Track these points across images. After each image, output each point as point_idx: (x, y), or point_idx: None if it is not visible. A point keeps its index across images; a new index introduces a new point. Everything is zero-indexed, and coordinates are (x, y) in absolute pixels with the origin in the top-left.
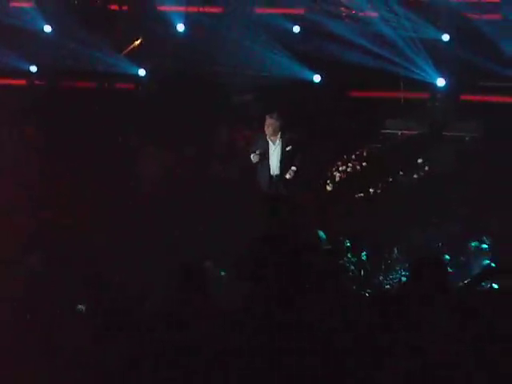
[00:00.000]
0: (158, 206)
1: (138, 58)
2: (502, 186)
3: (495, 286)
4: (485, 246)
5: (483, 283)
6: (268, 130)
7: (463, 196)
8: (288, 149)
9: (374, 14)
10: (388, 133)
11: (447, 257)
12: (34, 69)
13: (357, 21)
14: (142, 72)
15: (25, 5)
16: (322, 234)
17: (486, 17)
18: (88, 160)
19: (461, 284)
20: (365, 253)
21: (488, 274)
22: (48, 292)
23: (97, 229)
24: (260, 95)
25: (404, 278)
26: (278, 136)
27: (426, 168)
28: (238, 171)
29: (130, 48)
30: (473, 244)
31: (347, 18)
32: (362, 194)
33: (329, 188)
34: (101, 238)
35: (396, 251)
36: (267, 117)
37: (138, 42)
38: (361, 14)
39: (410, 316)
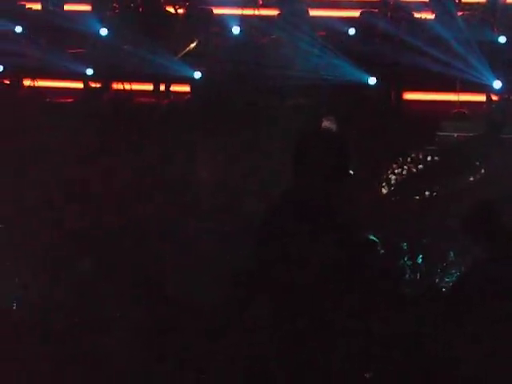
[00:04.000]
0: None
1: (193, 60)
2: None
3: None
4: None
5: None
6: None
7: None
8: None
9: (430, 16)
10: (444, 135)
11: None
12: (89, 72)
13: (413, 22)
14: (197, 75)
15: (80, 8)
16: (373, 237)
17: None
18: (146, 161)
19: None
20: (421, 256)
21: None
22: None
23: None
24: (316, 98)
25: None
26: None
27: (483, 170)
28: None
29: (185, 51)
30: None
31: (403, 19)
32: (417, 197)
33: (384, 190)
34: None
35: (452, 254)
36: (324, 120)
37: (193, 45)
38: (417, 15)
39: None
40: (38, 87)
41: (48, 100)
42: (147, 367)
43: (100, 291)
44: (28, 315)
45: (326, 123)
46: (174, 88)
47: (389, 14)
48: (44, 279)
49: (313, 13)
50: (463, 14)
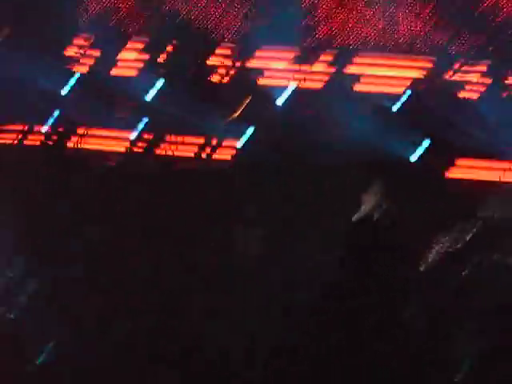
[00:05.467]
0: None
1: (238, 130)
2: None
3: None
4: None
5: None
6: (368, 207)
7: None
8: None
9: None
10: (489, 213)
11: None
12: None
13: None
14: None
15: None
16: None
17: None
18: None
19: None
20: None
21: None
22: None
23: None
24: (359, 173)
25: None
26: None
27: None
28: None
29: (231, 117)
30: None
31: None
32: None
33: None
34: None
35: None
36: (365, 195)
37: (237, 114)
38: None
39: None
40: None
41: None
42: None
43: None
44: None
45: (367, 198)
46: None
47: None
48: None
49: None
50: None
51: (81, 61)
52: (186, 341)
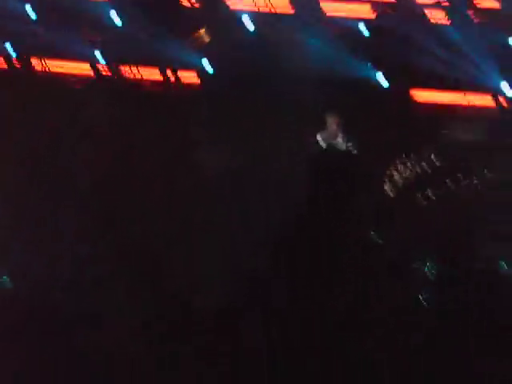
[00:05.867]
0: None
1: (207, 53)
2: None
3: None
4: None
5: None
6: (330, 130)
7: None
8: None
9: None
10: (452, 137)
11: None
12: (99, 56)
13: (425, 24)
14: (205, 62)
15: None
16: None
17: None
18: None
19: None
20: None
21: None
22: None
23: None
24: (325, 94)
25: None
26: (339, 136)
27: (489, 175)
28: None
29: (194, 38)
30: None
31: (416, 20)
32: (421, 198)
33: (389, 190)
34: None
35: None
36: (328, 116)
37: (202, 32)
38: (430, 17)
39: None
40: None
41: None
42: None
43: None
44: None
45: (331, 119)
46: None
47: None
48: None
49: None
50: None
51: None
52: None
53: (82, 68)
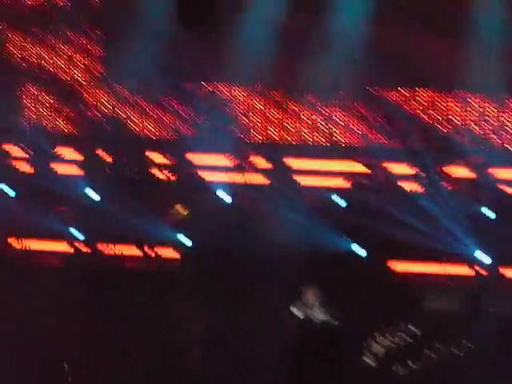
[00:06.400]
0: None
1: (184, 227)
2: None
3: None
4: None
5: None
6: (309, 303)
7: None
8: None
9: (419, 190)
10: (429, 307)
11: None
12: (79, 235)
13: (401, 195)
14: (187, 242)
15: (73, 173)
16: None
17: None
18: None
19: None
20: None
21: None
22: None
23: None
24: (301, 267)
25: None
26: (317, 307)
27: (470, 346)
28: None
29: (176, 218)
30: None
31: (393, 193)
32: (401, 368)
33: (368, 361)
34: None
35: None
36: (307, 290)
37: (182, 210)
38: (406, 188)
39: None
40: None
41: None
42: None
43: None
44: None
45: (310, 294)
46: (164, 254)
47: (378, 186)
48: None
49: (303, 182)
50: (451, 187)
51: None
52: None
53: (59, 246)
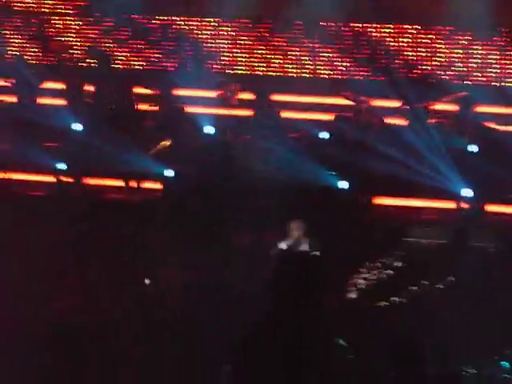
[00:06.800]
0: None
1: (165, 159)
2: None
3: None
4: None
5: None
6: (293, 235)
7: (489, 307)
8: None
9: (401, 123)
10: (412, 241)
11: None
12: (61, 166)
13: (385, 129)
14: (169, 173)
15: (54, 103)
16: (342, 341)
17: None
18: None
19: None
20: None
21: None
22: None
23: None
24: (285, 200)
25: None
26: (303, 241)
27: (451, 278)
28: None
29: (157, 148)
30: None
31: (376, 126)
32: (385, 303)
33: (352, 295)
34: None
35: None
36: (291, 223)
37: (166, 143)
38: (389, 122)
39: None
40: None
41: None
42: None
43: None
44: None
45: (294, 225)
46: (146, 185)
47: (361, 119)
48: None
49: (286, 115)
50: (435, 122)
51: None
52: None
53: (43, 178)
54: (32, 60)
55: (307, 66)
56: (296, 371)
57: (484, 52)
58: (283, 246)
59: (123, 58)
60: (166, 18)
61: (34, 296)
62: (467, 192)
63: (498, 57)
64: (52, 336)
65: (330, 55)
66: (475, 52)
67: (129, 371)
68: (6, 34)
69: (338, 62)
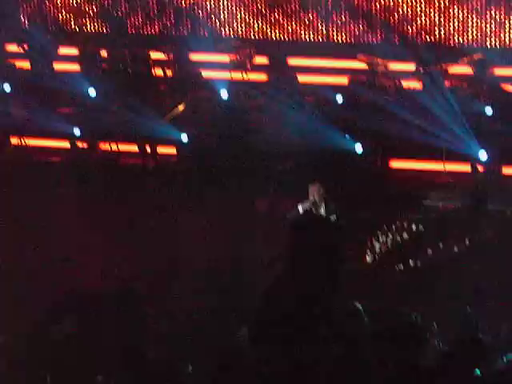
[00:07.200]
0: None
1: (180, 123)
2: None
3: None
4: None
5: None
6: (311, 199)
7: (504, 270)
8: (332, 218)
9: (417, 86)
10: (429, 205)
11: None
12: (77, 132)
13: (400, 92)
14: (184, 138)
15: (70, 69)
16: (359, 306)
17: None
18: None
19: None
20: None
21: None
22: None
23: None
24: (303, 164)
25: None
26: (322, 204)
27: (467, 242)
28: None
29: (172, 113)
30: None
31: (391, 89)
32: (402, 266)
33: (368, 259)
34: None
35: (435, 326)
36: (310, 185)
37: (181, 107)
38: (405, 85)
39: None
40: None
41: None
42: None
43: None
44: None
45: (312, 188)
46: (161, 150)
47: (377, 82)
48: None
49: (302, 79)
50: (451, 85)
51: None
52: None
53: (58, 143)
54: (47, 26)
55: (322, 30)
56: (313, 335)
57: (499, 14)
58: (301, 209)
59: (137, 23)
60: None
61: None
62: (483, 155)
63: None
64: None
65: (345, 19)
66: (491, 15)
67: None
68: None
69: (354, 25)
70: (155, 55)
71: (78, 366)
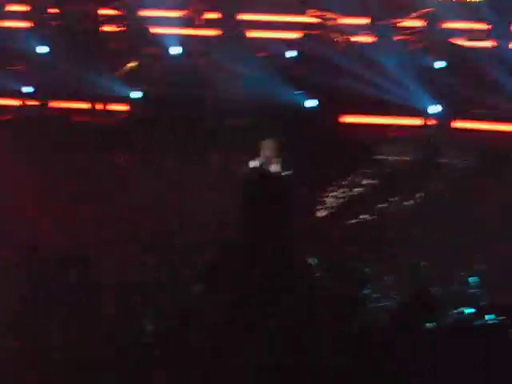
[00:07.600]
0: None
1: (131, 80)
2: (495, 215)
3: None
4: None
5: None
6: (264, 155)
7: (456, 223)
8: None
9: (368, 41)
10: (381, 159)
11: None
12: (28, 89)
13: (351, 47)
14: (135, 94)
15: (19, 26)
16: (314, 259)
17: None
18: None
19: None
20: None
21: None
22: None
23: None
24: (254, 120)
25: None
26: (274, 160)
27: (419, 194)
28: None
29: (123, 70)
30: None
31: (342, 43)
32: (355, 220)
33: (323, 213)
34: None
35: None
36: (263, 142)
37: (132, 64)
38: (355, 40)
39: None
40: None
41: None
42: None
43: None
44: None
45: (265, 144)
46: (112, 107)
47: (328, 36)
48: None
49: (253, 34)
50: (401, 39)
51: None
52: None
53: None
54: None
55: None
56: (265, 287)
57: None
58: (254, 165)
59: None
60: None
61: None
62: (434, 108)
63: None
64: None
65: None
66: None
67: None
68: None
69: None
70: (105, 11)
71: None
